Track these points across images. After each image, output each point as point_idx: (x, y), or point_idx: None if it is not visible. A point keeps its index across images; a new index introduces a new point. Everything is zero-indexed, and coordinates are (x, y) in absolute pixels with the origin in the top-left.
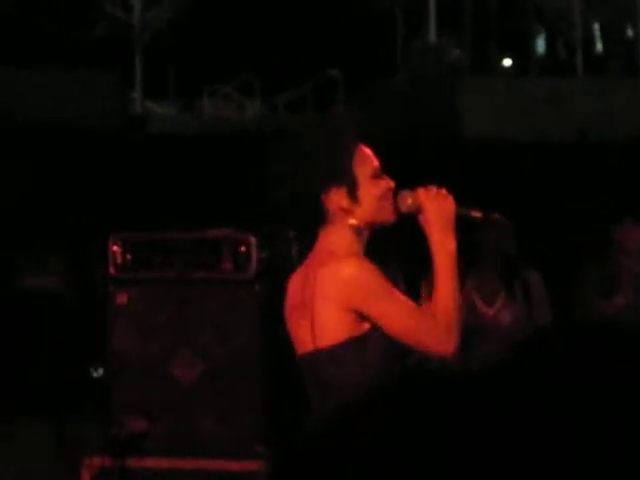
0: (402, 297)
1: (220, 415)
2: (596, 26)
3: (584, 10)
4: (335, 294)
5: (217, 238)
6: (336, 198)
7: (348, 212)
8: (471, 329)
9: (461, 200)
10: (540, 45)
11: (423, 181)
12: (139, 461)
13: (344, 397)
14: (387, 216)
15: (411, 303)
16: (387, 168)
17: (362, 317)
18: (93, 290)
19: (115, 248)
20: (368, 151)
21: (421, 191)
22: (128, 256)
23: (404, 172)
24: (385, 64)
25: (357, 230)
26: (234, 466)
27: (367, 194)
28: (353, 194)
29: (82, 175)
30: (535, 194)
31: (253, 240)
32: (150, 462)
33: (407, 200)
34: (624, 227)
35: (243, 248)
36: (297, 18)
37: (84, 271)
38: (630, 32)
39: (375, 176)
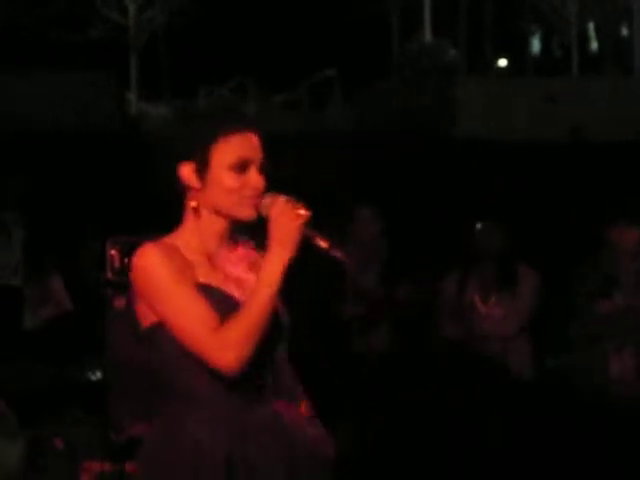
0: (189, 298)
1: None
2: (591, 25)
3: (579, 9)
4: (133, 282)
5: None
6: (185, 172)
7: (194, 191)
8: (468, 324)
9: (457, 200)
10: (535, 45)
11: (417, 181)
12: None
13: (160, 385)
14: (240, 212)
15: (196, 305)
16: (384, 167)
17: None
18: (89, 292)
19: (113, 252)
20: (241, 141)
21: (280, 199)
22: (126, 260)
23: (400, 172)
24: (381, 64)
25: (196, 211)
26: None
27: (216, 181)
28: (201, 174)
29: (77, 177)
30: (529, 193)
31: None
32: None
33: (265, 202)
34: (619, 228)
35: None
36: (293, 19)
37: (78, 274)
38: (625, 31)
39: (237, 167)
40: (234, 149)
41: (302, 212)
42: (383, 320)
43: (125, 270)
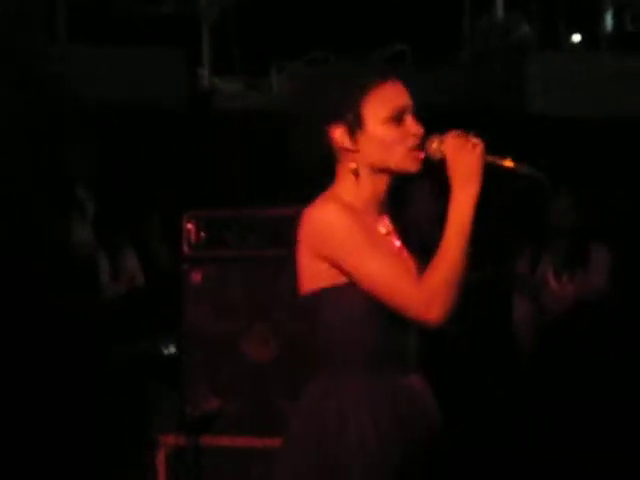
0: (383, 250)
1: (294, 393)
2: None
3: None
4: (307, 240)
5: (291, 215)
6: (337, 135)
7: (350, 153)
8: (541, 302)
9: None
10: (608, 20)
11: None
12: (213, 440)
13: (325, 350)
14: (403, 164)
15: (393, 259)
16: None
17: (338, 267)
18: (161, 267)
19: (189, 226)
20: (391, 91)
21: (449, 136)
22: (202, 234)
23: None
24: (453, 39)
25: (356, 173)
26: None
27: (373, 136)
28: (354, 133)
29: (148, 152)
30: (604, 170)
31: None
32: (224, 441)
33: (432, 144)
34: None
35: None
36: None
37: (150, 248)
38: None
39: (393, 119)
40: (387, 100)
41: (477, 141)
42: None
43: (201, 244)
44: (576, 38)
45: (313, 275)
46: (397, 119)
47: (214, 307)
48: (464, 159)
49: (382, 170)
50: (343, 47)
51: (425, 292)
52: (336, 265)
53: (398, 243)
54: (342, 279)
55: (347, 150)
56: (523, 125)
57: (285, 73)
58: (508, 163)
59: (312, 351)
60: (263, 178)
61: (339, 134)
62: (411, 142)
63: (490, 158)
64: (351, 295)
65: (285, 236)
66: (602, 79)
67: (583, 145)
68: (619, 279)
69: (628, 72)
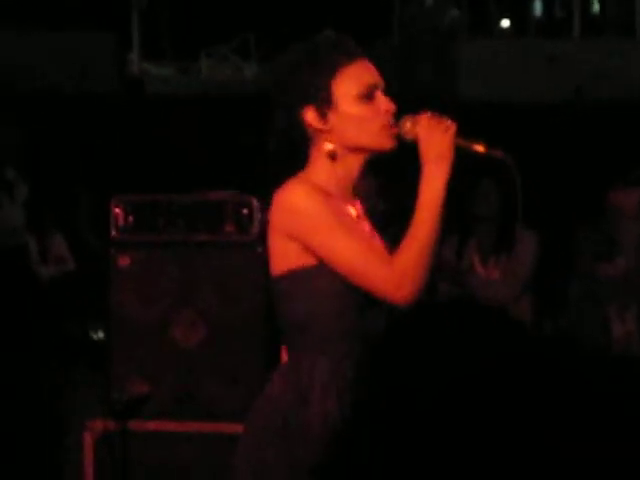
0: (353, 232)
1: (223, 377)
2: None
3: None
4: (277, 221)
5: (219, 200)
6: (308, 117)
7: (323, 133)
8: (468, 288)
9: (460, 163)
10: (537, 6)
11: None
12: (141, 424)
13: (294, 330)
14: (378, 141)
15: (363, 240)
16: None
17: (308, 248)
18: (90, 251)
19: (117, 210)
20: (360, 69)
21: (423, 117)
22: (130, 218)
23: None
24: (382, 25)
25: (332, 155)
26: (237, 429)
27: (345, 115)
28: (324, 114)
29: (79, 137)
30: (532, 155)
31: (255, 202)
32: (152, 425)
33: (406, 124)
34: (618, 191)
35: (245, 210)
36: None
37: (79, 233)
38: None
39: (364, 96)
40: (356, 78)
41: (449, 123)
42: None
43: (129, 228)
44: (505, 23)
45: (283, 257)
46: (368, 96)
47: (142, 292)
48: (436, 139)
49: (356, 149)
50: (270, 32)
51: (396, 272)
52: (306, 246)
53: (368, 227)
54: (312, 260)
55: (320, 131)
56: (453, 110)
57: (214, 58)
58: (479, 148)
59: (281, 333)
60: (200, 162)
61: (311, 116)
62: (383, 119)
63: (462, 141)
64: (321, 276)
65: (212, 221)
66: (531, 64)
67: (512, 130)
68: (545, 264)
69: (556, 58)
